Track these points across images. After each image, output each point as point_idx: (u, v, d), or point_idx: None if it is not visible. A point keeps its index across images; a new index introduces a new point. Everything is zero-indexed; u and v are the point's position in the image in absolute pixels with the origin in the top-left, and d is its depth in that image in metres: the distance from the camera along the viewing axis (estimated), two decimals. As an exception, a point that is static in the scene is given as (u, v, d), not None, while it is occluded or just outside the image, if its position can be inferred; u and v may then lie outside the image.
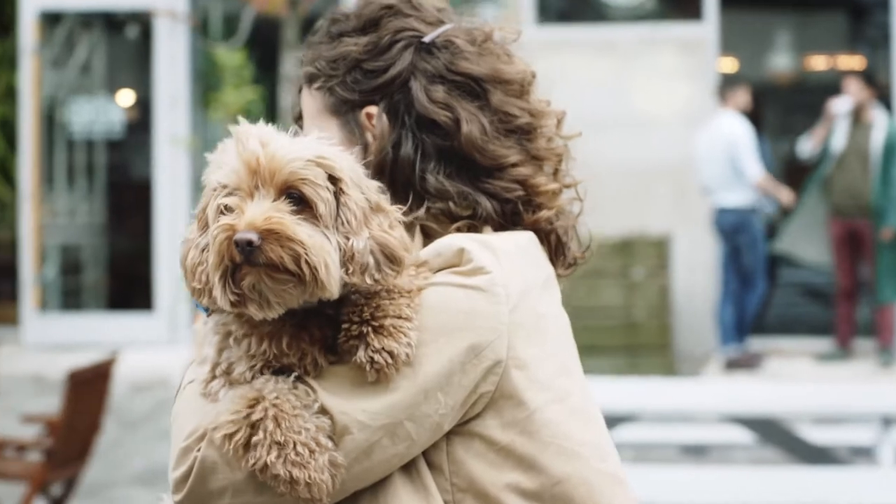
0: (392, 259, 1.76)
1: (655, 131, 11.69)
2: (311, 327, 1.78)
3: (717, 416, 6.55)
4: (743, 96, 10.98)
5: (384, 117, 1.94)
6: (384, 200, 1.81)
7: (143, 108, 12.24)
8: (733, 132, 10.78)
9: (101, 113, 12.17)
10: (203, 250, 1.75)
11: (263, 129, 1.77)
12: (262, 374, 1.76)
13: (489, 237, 1.87)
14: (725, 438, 7.32)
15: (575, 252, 2.01)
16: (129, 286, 12.65)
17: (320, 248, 1.70)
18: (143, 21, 12.14)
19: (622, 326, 10.98)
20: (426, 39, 1.95)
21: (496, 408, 1.81)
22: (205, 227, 1.76)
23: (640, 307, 10.99)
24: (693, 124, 11.44)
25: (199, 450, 1.77)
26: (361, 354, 1.74)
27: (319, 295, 1.73)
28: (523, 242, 1.90)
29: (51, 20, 12.09)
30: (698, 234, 11.51)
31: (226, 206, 1.73)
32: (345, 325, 1.76)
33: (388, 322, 1.75)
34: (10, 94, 12.59)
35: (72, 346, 11.23)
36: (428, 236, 1.91)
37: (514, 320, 1.81)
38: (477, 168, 1.92)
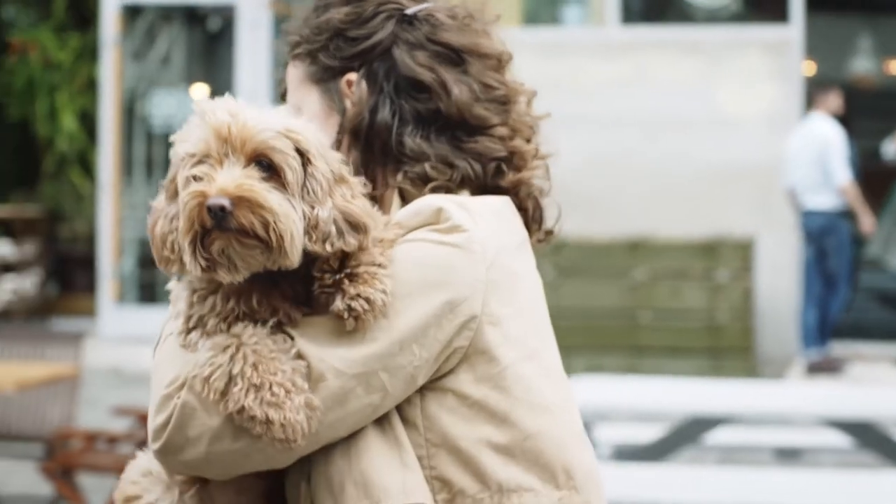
0: (355, 226, 1.80)
1: (739, 133, 11.54)
2: (281, 284, 1.81)
3: (814, 420, 6.43)
4: (834, 100, 10.86)
5: (363, 83, 1.98)
6: (346, 171, 1.85)
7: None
8: (825, 135, 10.69)
9: (181, 106, 12.18)
10: (172, 219, 1.79)
11: (231, 101, 1.82)
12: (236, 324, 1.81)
13: (465, 199, 1.91)
14: (819, 442, 7.17)
15: (549, 224, 2.05)
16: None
17: (287, 216, 1.75)
18: (225, 14, 12.14)
19: (705, 328, 10.91)
20: (408, 12, 2.00)
21: (470, 363, 1.84)
22: (173, 196, 1.79)
23: (724, 309, 10.90)
24: (777, 126, 11.31)
25: (178, 397, 1.80)
26: (339, 303, 1.78)
27: (280, 263, 1.77)
28: (498, 205, 1.94)
29: (132, 13, 12.13)
30: (783, 236, 11.35)
31: (194, 177, 1.77)
32: (317, 275, 1.80)
33: (361, 269, 1.78)
34: (91, 87, 12.65)
35: (148, 339, 11.20)
36: (405, 200, 1.95)
37: (489, 278, 1.85)
38: (459, 129, 1.97)
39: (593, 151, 11.27)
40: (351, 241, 1.79)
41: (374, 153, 1.97)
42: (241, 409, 1.74)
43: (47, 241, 13.20)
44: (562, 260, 10.60)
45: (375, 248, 1.81)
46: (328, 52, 2.02)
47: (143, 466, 1.94)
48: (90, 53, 12.73)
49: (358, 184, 1.85)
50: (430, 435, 1.84)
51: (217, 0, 12.16)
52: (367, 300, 1.77)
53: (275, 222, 1.74)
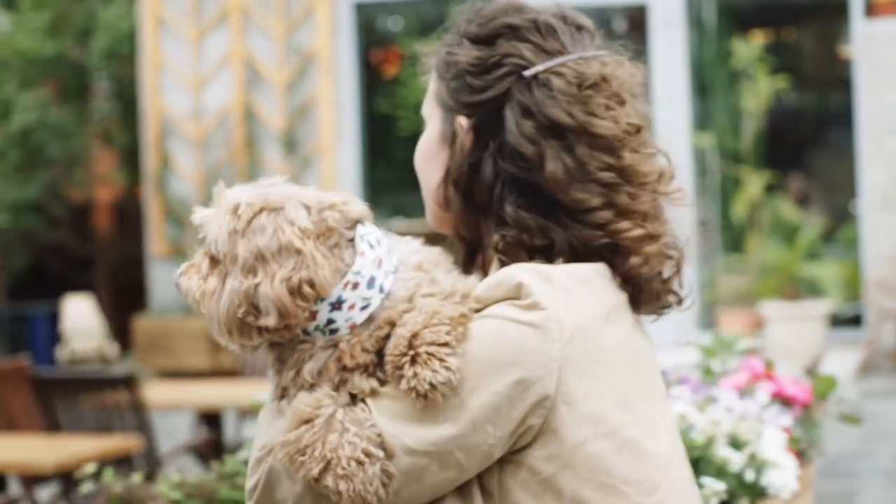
0: (269, 308, 1.82)
1: None
2: (342, 353, 1.84)
3: None
4: None
5: (471, 134, 1.95)
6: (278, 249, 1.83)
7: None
8: None
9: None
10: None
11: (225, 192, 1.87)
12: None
13: (551, 268, 1.86)
14: None
15: (668, 298, 1.98)
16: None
17: (204, 295, 1.86)
18: (635, 13, 11.77)
19: None
20: (527, 73, 1.93)
21: (543, 440, 1.84)
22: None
23: None
24: None
25: (267, 462, 1.87)
26: (403, 384, 1.79)
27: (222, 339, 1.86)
28: (587, 274, 1.88)
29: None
30: None
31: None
32: (386, 357, 1.82)
33: (423, 349, 1.79)
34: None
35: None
36: (503, 265, 1.91)
37: (566, 356, 1.82)
38: (558, 206, 1.90)
39: None
40: (269, 320, 1.80)
41: (476, 206, 1.95)
42: (316, 480, 1.80)
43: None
44: None
45: (443, 326, 1.80)
46: (449, 89, 1.98)
47: None
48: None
49: (301, 262, 1.81)
50: None
51: (628, 1, 11.74)
52: (430, 382, 1.78)
53: (196, 304, 1.86)
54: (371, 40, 12.91)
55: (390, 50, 13.28)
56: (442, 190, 1.97)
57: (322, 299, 1.81)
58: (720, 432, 2.88)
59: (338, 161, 12.13)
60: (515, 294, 1.83)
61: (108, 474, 3.22)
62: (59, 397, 7.16)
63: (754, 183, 11.29)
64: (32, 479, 7.16)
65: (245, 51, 12.10)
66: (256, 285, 1.79)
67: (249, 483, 1.92)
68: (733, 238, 11.92)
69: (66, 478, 6.97)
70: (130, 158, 16.02)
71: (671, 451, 1.94)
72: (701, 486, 2.88)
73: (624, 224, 1.90)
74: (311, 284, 1.79)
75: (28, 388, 7.77)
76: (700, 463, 2.89)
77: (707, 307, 11.54)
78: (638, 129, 1.94)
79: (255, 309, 1.80)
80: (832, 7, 12.17)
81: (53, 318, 16.38)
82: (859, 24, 11.56)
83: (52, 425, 7.28)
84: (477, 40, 1.97)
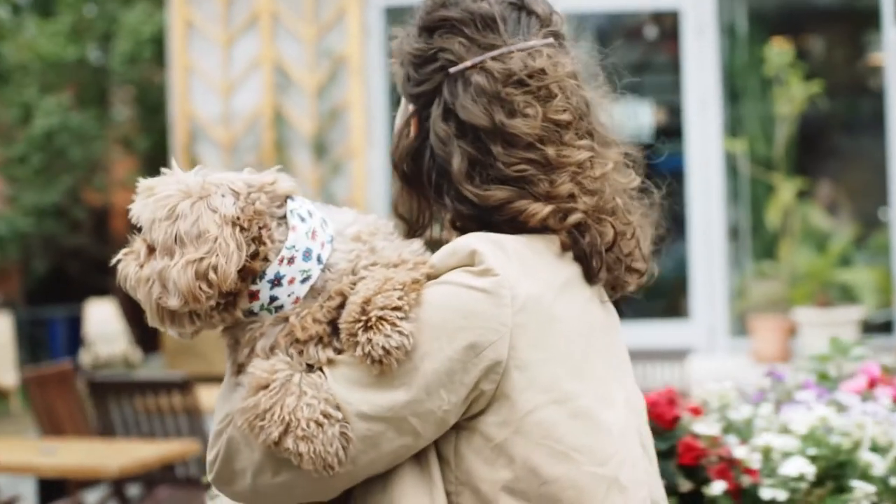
0: (176, 289, 1.85)
1: None
2: (293, 326, 1.87)
3: None
4: None
5: (416, 122, 2.03)
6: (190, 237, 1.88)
7: (668, 110, 11.86)
8: None
9: (630, 117, 11.83)
10: None
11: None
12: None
13: (505, 238, 1.90)
14: None
15: (624, 274, 2.04)
16: (659, 293, 12.27)
17: (128, 278, 1.90)
18: (665, 19, 11.73)
19: None
20: (452, 70, 1.98)
21: (496, 406, 1.85)
22: None
23: None
24: None
25: (226, 432, 1.90)
26: (358, 350, 1.82)
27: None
28: (541, 245, 1.93)
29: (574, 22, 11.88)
30: None
31: None
32: (340, 324, 1.86)
33: (374, 314, 1.81)
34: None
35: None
36: (461, 233, 1.97)
37: (518, 322, 1.85)
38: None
39: None
40: (172, 303, 1.83)
41: (415, 189, 2.05)
42: (276, 443, 1.82)
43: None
44: None
45: (395, 292, 1.82)
46: (400, 77, 2.07)
47: None
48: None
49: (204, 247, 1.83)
50: (459, 472, 1.88)
51: (660, 5, 11.71)
52: (383, 347, 1.81)
53: (133, 291, 1.89)
54: (399, 45, 12.87)
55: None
56: (398, 171, 2.06)
57: (259, 278, 1.86)
58: (865, 436, 2.87)
59: (368, 165, 12.10)
60: (469, 261, 1.88)
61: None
62: (112, 401, 7.12)
63: (786, 189, 11.27)
64: (79, 484, 7.11)
65: (275, 54, 12.07)
66: (167, 267, 1.82)
67: (209, 456, 1.93)
68: (764, 244, 11.90)
69: (118, 482, 6.94)
70: (150, 163, 15.99)
71: (626, 424, 1.96)
72: (850, 489, 2.86)
73: (536, 207, 1.95)
74: (216, 270, 1.80)
75: (72, 393, 7.72)
76: (845, 467, 2.88)
77: (740, 313, 11.52)
78: (568, 123, 1.98)
79: (166, 291, 1.83)
80: (863, 14, 12.16)
81: (72, 323, 16.34)
82: (890, 31, 11.55)
83: (105, 429, 7.24)
84: (421, 30, 2.04)
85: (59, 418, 7.57)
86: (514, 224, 1.96)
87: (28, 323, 16.36)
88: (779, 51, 10.63)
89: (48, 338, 17.44)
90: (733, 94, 11.84)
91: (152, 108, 16.27)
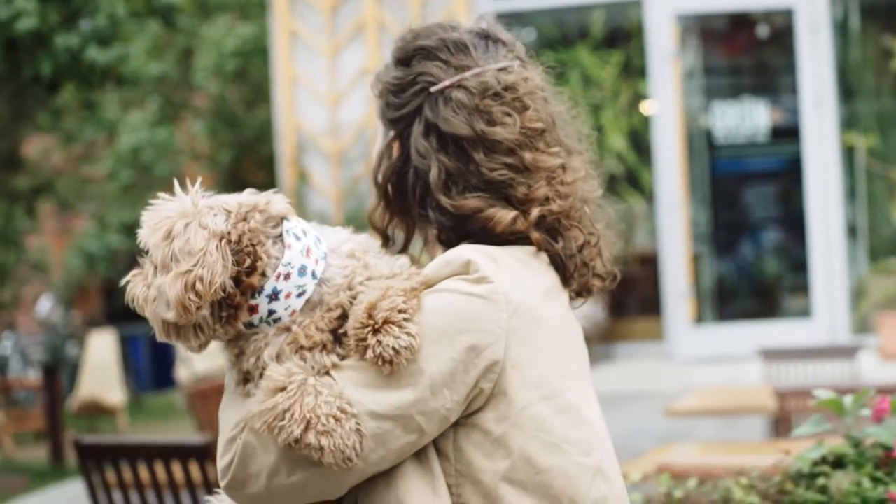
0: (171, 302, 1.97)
1: None
2: (297, 335, 1.99)
3: None
4: None
5: (398, 145, 2.17)
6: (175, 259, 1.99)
7: (784, 108, 11.81)
8: None
9: (742, 117, 11.78)
10: None
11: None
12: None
13: (494, 250, 2.05)
14: None
15: (590, 280, 2.17)
16: (767, 293, 12.21)
17: (137, 298, 2.02)
18: (777, 18, 11.69)
19: None
20: (433, 89, 2.13)
21: (494, 403, 2.00)
22: None
23: None
24: None
25: (240, 438, 1.99)
26: (369, 353, 1.94)
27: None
28: (524, 255, 2.09)
29: (683, 23, 11.83)
30: None
31: None
32: (348, 332, 1.98)
33: (381, 317, 1.94)
34: (634, 104, 12.47)
35: (722, 357, 10.95)
36: (447, 247, 2.11)
37: (511, 325, 2.00)
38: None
39: None
40: (168, 315, 1.95)
41: (394, 206, 2.19)
42: (297, 440, 1.92)
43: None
44: None
45: (398, 297, 1.96)
46: (380, 107, 2.22)
47: None
48: (630, 70, 12.54)
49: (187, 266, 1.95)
50: (459, 466, 2.02)
51: (772, 4, 11.66)
52: (394, 348, 1.93)
53: (141, 309, 2.02)
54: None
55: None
56: (380, 192, 2.20)
57: (258, 293, 1.99)
58: None
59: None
60: (464, 270, 2.02)
61: (665, 479, 3.13)
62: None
63: (908, 185, 11.22)
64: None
65: (382, 63, 12.03)
66: (164, 283, 1.95)
67: (222, 462, 2.04)
68: (881, 241, 11.84)
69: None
70: (231, 177, 15.96)
71: (601, 423, 2.14)
72: None
73: (502, 214, 2.09)
74: (202, 281, 1.93)
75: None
76: None
77: (860, 311, 11.46)
78: (542, 131, 2.14)
79: (163, 305, 1.96)
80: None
81: (154, 340, 16.29)
82: None
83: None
84: (398, 62, 2.21)
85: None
86: (485, 231, 2.11)
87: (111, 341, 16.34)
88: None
89: (131, 354, 17.41)
90: (847, 90, 11.78)
91: (230, 121, 16.25)
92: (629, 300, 12.90)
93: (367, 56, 12.00)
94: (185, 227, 1.98)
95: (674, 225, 11.59)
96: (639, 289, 12.66)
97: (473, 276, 2.02)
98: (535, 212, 2.11)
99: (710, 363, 11.14)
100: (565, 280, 2.15)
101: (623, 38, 12.53)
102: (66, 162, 16.12)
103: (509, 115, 2.13)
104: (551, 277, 2.14)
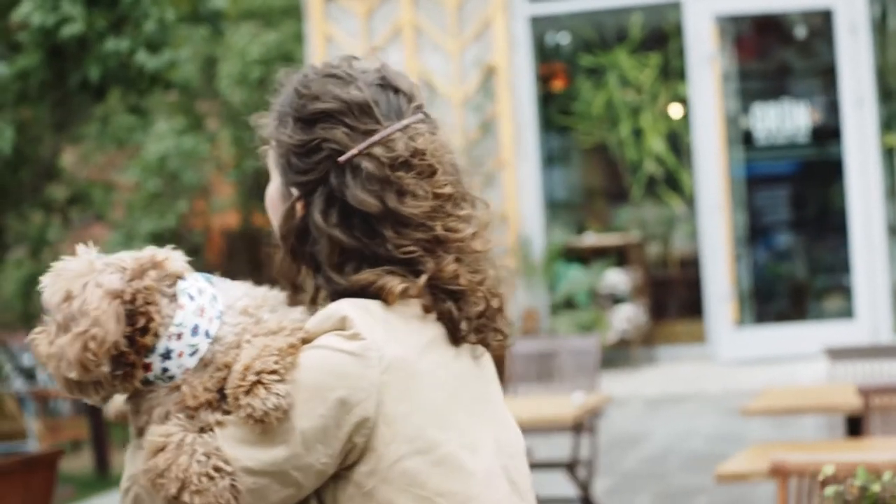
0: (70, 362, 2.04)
1: None
2: (185, 395, 2.06)
3: None
4: None
5: (302, 204, 2.13)
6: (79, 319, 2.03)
7: (825, 110, 11.80)
8: None
9: (782, 118, 11.76)
10: None
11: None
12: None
13: (373, 304, 2.07)
14: None
15: (490, 335, 2.17)
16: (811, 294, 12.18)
17: (41, 356, 2.06)
18: (816, 19, 11.69)
19: None
20: (341, 159, 2.09)
21: (366, 458, 2.04)
22: None
23: None
24: None
25: (132, 490, 2.09)
26: (242, 412, 2.01)
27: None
28: (405, 310, 2.09)
29: (722, 25, 11.82)
30: None
31: None
32: (226, 391, 2.04)
33: (252, 379, 2.01)
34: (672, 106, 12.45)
35: (764, 359, 10.93)
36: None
37: (384, 381, 2.03)
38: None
39: None
40: (70, 374, 2.01)
41: (300, 260, 2.15)
42: (175, 497, 2.00)
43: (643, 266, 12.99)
44: None
45: (272, 357, 2.01)
46: (280, 162, 2.14)
47: None
48: (668, 72, 12.52)
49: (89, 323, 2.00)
50: None
51: (811, 4, 11.65)
52: (263, 410, 1.99)
53: (45, 366, 2.06)
54: (539, 54, 12.80)
55: (555, 64, 13.18)
56: (281, 246, 2.17)
57: (151, 352, 2.04)
58: None
59: (519, 176, 12.03)
60: (340, 326, 2.04)
61: (861, 473, 3.08)
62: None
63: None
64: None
65: (419, 67, 11.99)
66: (64, 343, 2.00)
67: None
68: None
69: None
70: (255, 186, 15.90)
71: (492, 469, 2.13)
72: None
73: (393, 283, 2.07)
74: (95, 340, 1.99)
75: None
76: None
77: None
78: (450, 196, 2.11)
79: (65, 364, 2.02)
80: None
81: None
82: None
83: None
84: (297, 120, 2.13)
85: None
86: (379, 299, 2.10)
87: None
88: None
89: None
90: (885, 91, 11.78)
91: (254, 129, 16.17)
92: (669, 303, 12.87)
93: (403, 59, 11.97)
94: (83, 287, 2.03)
95: (715, 227, 11.58)
96: (679, 291, 12.64)
97: (348, 332, 2.04)
98: (423, 279, 2.09)
99: (752, 365, 11.11)
100: (455, 338, 2.14)
101: (661, 41, 12.51)
102: (96, 170, 16.06)
103: (420, 185, 2.10)
104: (433, 330, 2.12)
